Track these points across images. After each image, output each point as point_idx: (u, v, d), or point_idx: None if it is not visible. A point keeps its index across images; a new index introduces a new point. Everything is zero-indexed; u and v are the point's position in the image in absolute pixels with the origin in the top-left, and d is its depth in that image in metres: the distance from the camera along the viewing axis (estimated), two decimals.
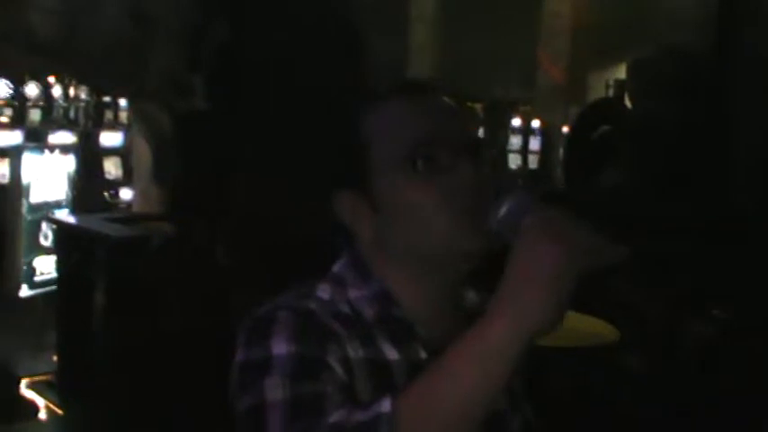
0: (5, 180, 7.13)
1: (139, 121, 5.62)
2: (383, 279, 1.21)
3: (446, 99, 1.26)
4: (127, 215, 5.76)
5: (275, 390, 1.04)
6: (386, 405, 0.97)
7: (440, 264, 1.19)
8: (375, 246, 1.21)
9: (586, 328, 2.59)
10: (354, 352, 1.13)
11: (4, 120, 8.94)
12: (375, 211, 1.19)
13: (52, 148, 6.44)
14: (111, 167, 9.11)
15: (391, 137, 1.19)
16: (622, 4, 11.32)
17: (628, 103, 3.81)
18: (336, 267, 1.25)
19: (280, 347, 1.08)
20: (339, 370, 1.08)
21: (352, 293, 1.20)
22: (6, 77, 9.19)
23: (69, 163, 6.45)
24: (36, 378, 4.77)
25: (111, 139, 9.26)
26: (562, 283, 0.95)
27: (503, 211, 1.09)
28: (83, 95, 10.30)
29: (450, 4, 13.34)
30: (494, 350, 0.95)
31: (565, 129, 10.09)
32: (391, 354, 1.16)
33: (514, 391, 1.29)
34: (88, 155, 8.28)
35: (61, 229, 5.07)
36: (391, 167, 1.18)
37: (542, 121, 11.77)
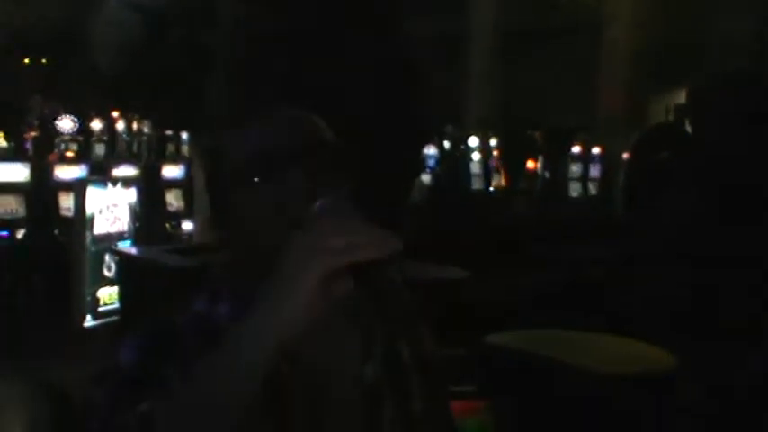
0: (71, 213, 7.28)
1: (198, 153, 5.71)
2: (251, 290, 1.21)
3: (290, 112, 1.28)
4: (187, 246, 5.83)
5: (104, 394, 1.12)
6: (146, 405, 1.04)
7: None
8: (240, 258, 1.25)
9: (638, 354, 2.55)
10: None
11: (70, 154, 9.13)
12: (233, 224, 1.24)
13: (115, 182, 6.55)
14: (173, 200, 9.24)
15: (233, 154, 1.24)
16: (681, 29, 11.22)
17: (688, 129, 3.75)
18: (217, 278, 1.31)
19: (127, 354, 1.15)
20: (178, 384, 1.12)
21: (223, 307, 1.24)
22: (72, 113, 9.40)
23: (132, 196, 6.55)
24: None
25: (172, 171, 9.41)
26: (309, 283, 0.98)
27: (311, 214, 1.10)
28: (145, 129, 10.49)
29: (509, 32, 13.33)
30: (236, 349, 1.00)
31: (625, 155, 9.99)
32: None
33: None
34: (150, 187, 8.42)
35: (124, 260, 5.15)
36: (235, 182, 1.22)
37: (602, 148, 11.68)
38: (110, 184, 6.40)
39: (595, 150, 11.73)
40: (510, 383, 2.70)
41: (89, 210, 6.12)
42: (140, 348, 1.17)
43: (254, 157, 1.21)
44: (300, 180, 1.19)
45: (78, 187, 6.39)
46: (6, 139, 8.90)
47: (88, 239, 6.12)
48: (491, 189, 11.96)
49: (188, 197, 8.70)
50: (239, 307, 1.20)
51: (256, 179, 1.20)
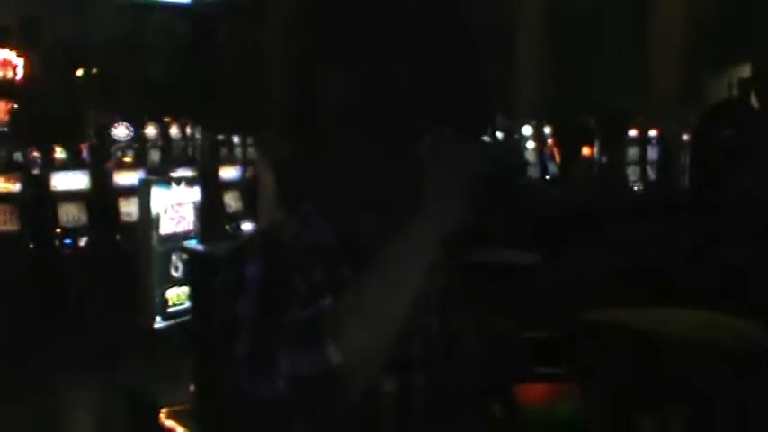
0: (131, 218, 7.33)
1: (261, 151, 5.70)
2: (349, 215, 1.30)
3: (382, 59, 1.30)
4: None
5: (245, 308, 1.17)
6: (325, 302, 1.17)
7: None
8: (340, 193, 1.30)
9: (737, 328, 2.48)
10: (319, 277, 1.24)
11: (128, 160, 9.23)
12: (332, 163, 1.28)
13: (178, 181, 6.57)
14: (231, 201, 9.29)
15: (336, 98, 1.26)
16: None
17: (754, 103, 3.66)
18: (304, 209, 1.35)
19: (252, 271, 1.21)
20: (305, 292, 1.21)
21: (318, 224, 1.30)
22: (126, 121, 9.51)
23: (195, 194, 6.57)
24: (175, 407, 4.83)
25: (228, 173, 9.47)
26: (463, 194, 1.15)
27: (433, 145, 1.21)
28: (198, 135, 10.58)
29: (560, 14, 13.21)
30: (408, 248, 1.15)
31: (685, 136, 9.85)
32: (351, 276, 1.25)
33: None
34: (208, 189, 8.46)
35: (192, 258, 5.15)
36: (341, 125, 1.25)
37: (659, 131, 11.52)
38: (173, 184, 6.42)
39: (652, 133, 11.58)
40: (610, 360, 2.62)
41: (154, 210, 6.14)
42: (263, 265, 1.22)
43: (368, 96, 1.24)
44: (414, 119, 1.25)
45: (143, 188, 6.42)
46: (65, 148, 9.02)
47: (154, 240, 6.14)
48: (547, 177, 11.86)
49: (246, 198, 8.74)
50: (334, 228, 1.29)
51: (370, 117, 1.23)
